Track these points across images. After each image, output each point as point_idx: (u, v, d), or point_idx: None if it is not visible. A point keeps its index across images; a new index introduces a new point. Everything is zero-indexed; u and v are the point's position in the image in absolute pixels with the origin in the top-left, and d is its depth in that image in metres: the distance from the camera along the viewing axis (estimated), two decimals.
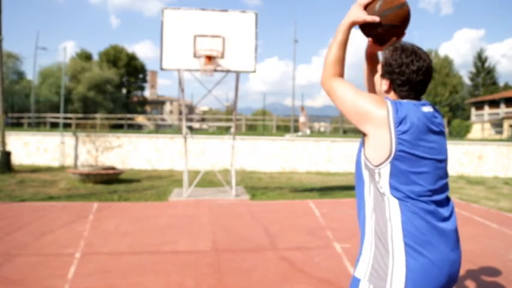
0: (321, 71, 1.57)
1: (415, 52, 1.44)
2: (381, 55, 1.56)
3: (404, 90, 1.45)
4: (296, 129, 18.54)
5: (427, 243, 1.34)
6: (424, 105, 1.43)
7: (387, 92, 1.50)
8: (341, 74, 1.54)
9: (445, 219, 1.40)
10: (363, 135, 1.47)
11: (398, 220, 1.36)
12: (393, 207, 1.37)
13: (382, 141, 1.36)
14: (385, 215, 1.39)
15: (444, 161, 1.45)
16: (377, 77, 1.57)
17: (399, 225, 1.36)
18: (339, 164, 12.72)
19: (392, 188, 1.37)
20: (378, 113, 1.35)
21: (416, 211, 1.35)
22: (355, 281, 1.46)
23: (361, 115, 1.40)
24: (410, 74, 1.43)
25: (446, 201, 1.44)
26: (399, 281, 1.34)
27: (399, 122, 1.33)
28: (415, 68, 1.42)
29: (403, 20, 1.56)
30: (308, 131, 16.76)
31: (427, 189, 1.37)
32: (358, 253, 1.50)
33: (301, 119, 17.14)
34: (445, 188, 1.45)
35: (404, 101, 1.43)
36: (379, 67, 1.54)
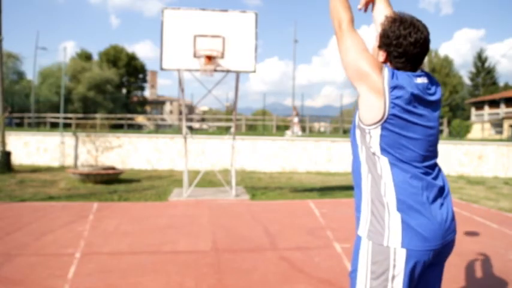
0: (331, 19, 1.60)
1: (413, 24, 1.44)
2: (379, 26, 1.57)
3: (400, 62, 1.46)
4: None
5: (420, 204, 1.39)
6: (419, 76, 1.45)
7: (383, 63, 1.49)
8: (351, 18, 1.55)
9: (436, 184, 1.45)
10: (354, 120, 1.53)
11: (390, 181, 1.41)
12: (385, 168, 1.43)
13: (374, 103, 1.39)
14: (379, 175, 1.44)
15: (434, 128, 1.48)
16: (374, 48, 1.56)
17: (392, 186, 1.41)
18: (339, 164, 12.72)
19: (383, 150, 1.42)
20: (375, 77, 1.38)
21: (407, 174, 1.40)
22: (358, 239, 1.54)
23: (359, 73, 1.43)
24: (407, 46, 1.43)
25: (435, 167, 1.50)
26: (396, 236, 1.38)
27: (393, 88, 1.36)
28: (413, 40, 1.42)
29: None
30: (300, 132, 16.79)
31: (417, 154, 1.42)
32: (356, 212, 1.59)
33: (295, 119, 17.22)
34: (435, 154, 1.51)
35: (400, 71, 1.44)
36: (377, 37, 1.54)
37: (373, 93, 1.39)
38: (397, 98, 1.36)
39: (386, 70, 1.39)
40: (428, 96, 1.44)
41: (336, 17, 1.56)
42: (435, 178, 1.46)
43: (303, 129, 22.16)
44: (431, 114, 1.46)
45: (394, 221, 1.39)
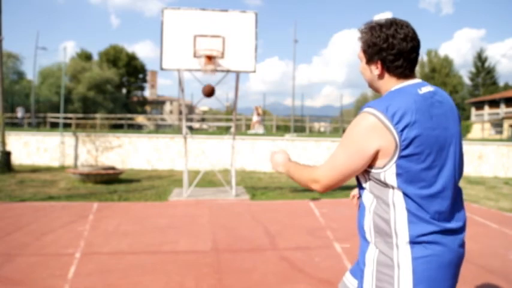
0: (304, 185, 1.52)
1: (394, 22, 1.35)
2: (359, 42, 1.44)
3: (399, 65, 1.35)
4: (297, 129, 18.55)
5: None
6: (423, 85, 1.35)
7: (381, 76, 1.39)
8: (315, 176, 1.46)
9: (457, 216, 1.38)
10: None
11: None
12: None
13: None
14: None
15: (444, 141, 1.34)
16: (363, 67, 1.45)
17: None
18: None
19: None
20: (373, 142, 1.29)
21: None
22: None
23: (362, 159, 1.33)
24: (399, 43, 1.32)
25: (458, 192, 1.41)
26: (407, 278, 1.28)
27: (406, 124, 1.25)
28: (402, 35, 1.32)
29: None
30: (261, 131, 16.82)
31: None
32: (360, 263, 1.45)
33: (254, 118, 17.28)
34: (452, 175, 1.37)
35: (395, 89, 1.35)
36: (361, 55, 1.43)
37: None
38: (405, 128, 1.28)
39: (373, 110, 1.28)
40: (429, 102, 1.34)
41: (307, 182, 1.47)
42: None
43: (302, 129, 22.16)
44: (443, 120, 1.37)
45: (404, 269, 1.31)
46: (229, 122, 14.18)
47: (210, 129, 28.12)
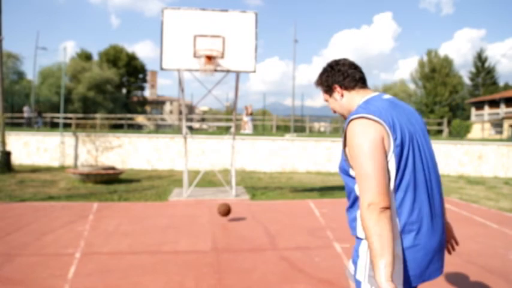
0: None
1: (334, 61, 1.69)
2: (316, 84, 1.75)
3: (352, 80, 1.62)
4: (297, 129, 18.53)
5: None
6: (384, 94, 1.61)
7: (342, 95, 1.64)
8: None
9: (438, 208, 1.54)
10: (342, 156, 1.57)
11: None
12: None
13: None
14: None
15: (418, 134, 1.55)
16: (331, 103, 1.71)
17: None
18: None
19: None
20: (375, 135, 1.41)
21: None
22: (358, 284, 1.49)
23: (381, 155, 1.41)
24: (340, 68, 1.63)
25: (438, 186, 1.57)
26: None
27: (388, 121, 1.45)
28: (341, 63, 1.66)
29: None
30: (250, 131, 16.82)
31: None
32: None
33: (244, 118, 17.23)
34: (432, 171, 1.55)
35: (363, 101, 1.56)
36: (325, 97, 1.72)
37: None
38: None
39: (364, 114, 1.46)
40: (394, 103, 1.58)
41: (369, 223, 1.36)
42: None
43: (302, 129, 22.16)
44: (413, 123, 1.59)
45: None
46: (229, 122, 14.19)
47: (210, 129, 28.12)
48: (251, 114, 17.55)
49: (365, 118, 1.43)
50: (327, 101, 1.72)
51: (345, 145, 1.51)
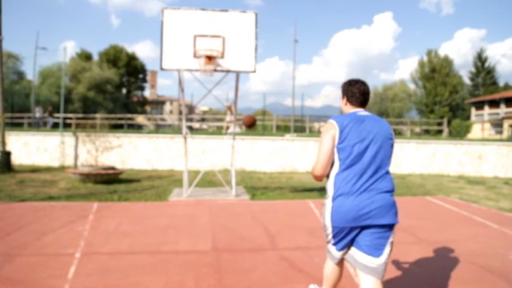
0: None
1: (354, 81, 2.52)
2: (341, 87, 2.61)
3: (353, 101, 2.49)
4: (297, 129, 18.51)
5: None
6: (360, 112, 2.45)
7: (345, 104, 2.54)
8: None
9: (370, 182, 2.29)
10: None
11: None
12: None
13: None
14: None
15: (370, 139, 2.33)
16: (341, 102, 2.59)
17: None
18: None
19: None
20: (331, 132, 2.34)
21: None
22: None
23: (331, 142, 2.35)
24: (355, 91, 2.47)
25: (375, 171, 2.31)
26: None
27: (342, 126, 2.32)
28: (355, 88, 2.48)
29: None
30: (237, 129, 16.73)
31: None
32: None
33: (228, 117, 17.10)
34: (374, 161, 2.31)
35: (351, 111, 2.47)
36: (341, 96, 2.59)
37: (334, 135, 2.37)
38: (342, 131, 2.38)
39: (334, 121, 2.37)
40: (362, 119, 2.38)
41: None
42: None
43: (302, 129, 22.15)
44: (367, 130, 2.35)
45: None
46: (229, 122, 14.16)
47: (210, 129, 28.12)
48: (233, 113, 17.30)
49: (330, 121, 2.38)
50: (342, 99, 2.59)
51: None
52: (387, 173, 2.34)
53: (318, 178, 2.36)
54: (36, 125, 20.13)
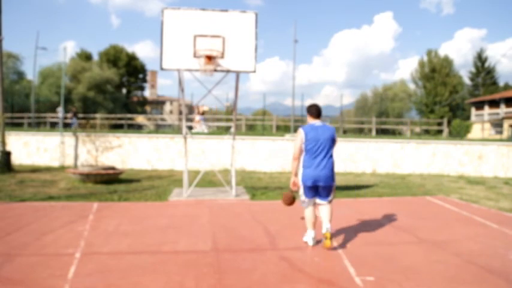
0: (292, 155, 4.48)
1: (313, 104, 4.56)
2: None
3: (310, 115, 4.52)
4: (297, 129, 18.60)
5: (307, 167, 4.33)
6: (316, 122, 4.45)
7: (309, 117, 4.53)
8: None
9: (320, 162, 4.30)
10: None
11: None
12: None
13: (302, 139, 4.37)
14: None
15: (320, 139, 4.31)
16: (307, 117, 4.57)
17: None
18: (338, 164, 12.70)
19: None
20: (301, 135, 4.35)
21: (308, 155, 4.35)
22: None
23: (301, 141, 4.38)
24: (312, 110, 4.51)
25: (324, 156, 4.30)
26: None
27: (306, 132, 4.34)
28: (313, 109, 4.51)
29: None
30: (205, 129, 16.91)
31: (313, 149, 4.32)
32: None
33: (196, 117, 17.47)
34: (322, 150, 4.31)
35: (311, 123, 4.47)
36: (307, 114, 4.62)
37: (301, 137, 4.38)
38: (307, 134, 4.36)
39: (301, 128, 4.39)
40: (316, 128, 4.37)
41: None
42: (321, 162, 4.31)
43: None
44: (319, 134, 4.32)
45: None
46: (229, 122, 14.20)
47: (210, 129, 28.10)
48: (203, 113, 17.75)
49: (300, 129, 4.39)
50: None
51: None
52: (330, 157, 4.33)
53: (295, 160, 4.36)
54: (59, 126, 19.50)
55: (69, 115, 20.95)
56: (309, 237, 4.52)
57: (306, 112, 4.49)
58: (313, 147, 4.22)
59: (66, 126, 20.57)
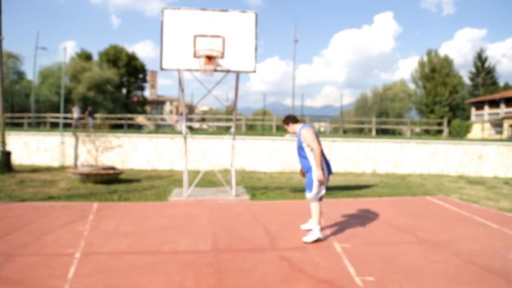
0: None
1: (290, 115, 5.00)
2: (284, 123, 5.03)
3: (294, 122, 4.90)
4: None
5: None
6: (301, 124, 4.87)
7: (294, 124, 4.91)
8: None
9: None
10: (299, 140, 4.77)
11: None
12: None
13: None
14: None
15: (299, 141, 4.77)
16: (289, 128, 4.95)
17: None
18: (339, 164, 12.72)
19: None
20: (314, 131, 4.74)
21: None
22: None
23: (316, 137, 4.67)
24: (293, 119, 4.93)
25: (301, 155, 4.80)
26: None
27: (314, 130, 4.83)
28: (296, 118, 4.95)
29: None
30: (184, 129, 17.09)
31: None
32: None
33: (174, 117, 17.70)
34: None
35: (301, 125, 4.82)
36: (286, 126, 4.99)
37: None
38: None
39: (302, 126, 4.83)
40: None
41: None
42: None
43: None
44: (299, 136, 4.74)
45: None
46: (229, 122, 14.19)
47: (210, 129, 28.11)
48: (181, 114, 18.01)
49: (311, 127, 4.72)
50: (287, 127, 4.96)
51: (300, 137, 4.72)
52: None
53: (320, 154, 4.53)
54: (75, 127, 19.10)
55: (83, 115, 20.68)
56: (318, 232, 4.64)
57: (290, 122, 4.86)
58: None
59: (66, 126, 20.56)
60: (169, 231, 5.01)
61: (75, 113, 20.26)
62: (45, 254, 4.04)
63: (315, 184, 4.53)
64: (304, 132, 4.61)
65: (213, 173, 9.82)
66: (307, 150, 4.61)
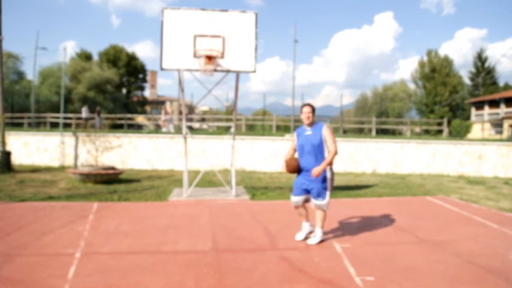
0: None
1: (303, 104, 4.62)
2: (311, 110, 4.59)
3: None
4: (295, 129, 18.68)
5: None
6: (307, 127, 4.55)
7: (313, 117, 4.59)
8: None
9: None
10: (320, 138, 4.42)
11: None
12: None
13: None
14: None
15: (308, 143, 4.43)
16: (311, 118, 4.56)
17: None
18: (339, 164, 12.71)
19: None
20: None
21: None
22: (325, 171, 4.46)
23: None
24: (313, 108, 4.60)
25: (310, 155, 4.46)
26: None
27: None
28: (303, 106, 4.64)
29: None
30: (172, 129, 17.14)
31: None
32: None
33: (162, 117, 17.78)
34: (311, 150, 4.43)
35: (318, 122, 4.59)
36: (311, 113, 4.58)
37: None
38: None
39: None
40: (303, 132, 4.56)
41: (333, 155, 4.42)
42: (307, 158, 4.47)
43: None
44: (307, 138, 4.44)
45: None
46: (229, 122, 14.20)
47: (210, 129, 28.10)
48: (168, 113, 18.12)
49: (330, 126, 4.65)
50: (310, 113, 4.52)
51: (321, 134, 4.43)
52: None
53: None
54: (84, 127, 19.28)
55: (92, 114, 20.71)
56: (322, 234, 4.70)
57: (313, 113, 4.50)
58: None
59: (66, 126, 20.55)
60: (169, 231, 5.01)
61: (84, 113, 20.28)
62: (45, 254, 4.05)
63: (330, 188, 4.45)
64: (330, 131, 4.38)
65: (213, 173, 9.82)
66: (326, 150, 4.36)
